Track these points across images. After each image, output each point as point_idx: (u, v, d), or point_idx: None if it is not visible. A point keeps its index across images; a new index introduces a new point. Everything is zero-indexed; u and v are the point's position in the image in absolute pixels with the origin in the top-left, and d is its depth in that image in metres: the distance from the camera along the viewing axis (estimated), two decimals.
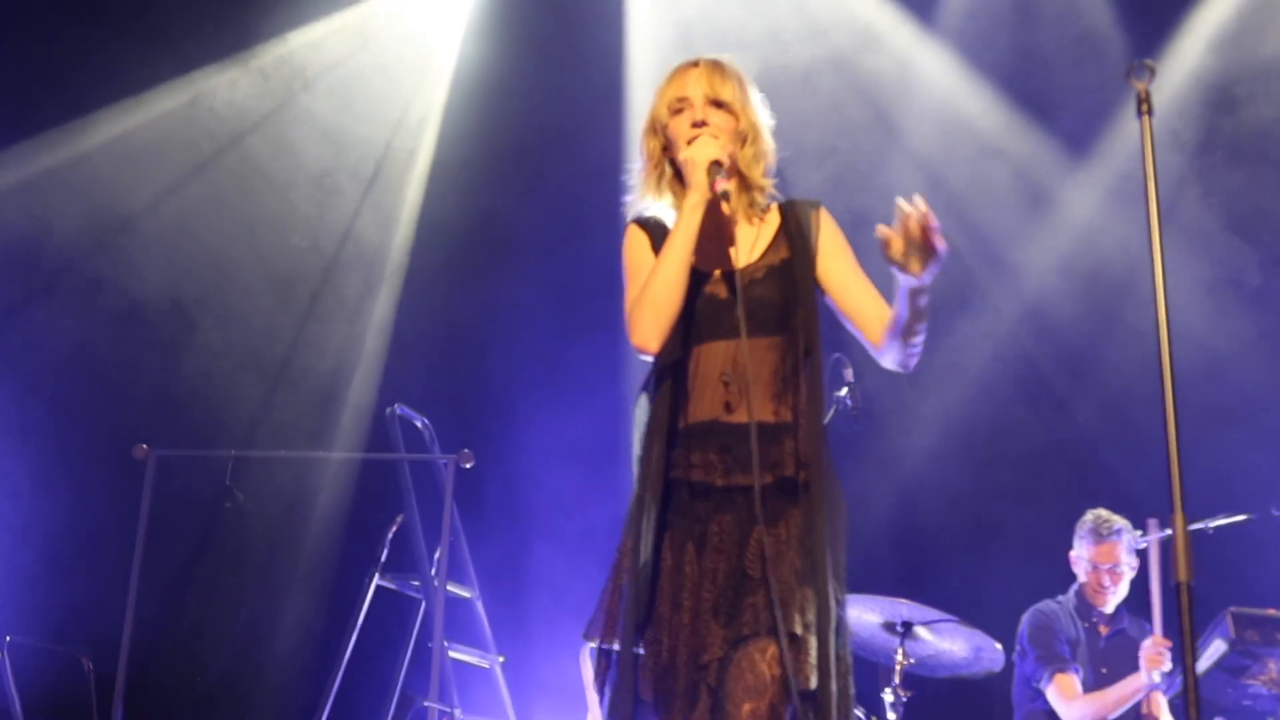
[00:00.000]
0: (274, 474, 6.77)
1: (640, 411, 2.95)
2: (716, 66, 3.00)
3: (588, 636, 2.89)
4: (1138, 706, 5.12)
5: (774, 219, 3.03)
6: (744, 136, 2.98)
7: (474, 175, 7.27)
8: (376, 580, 5.86)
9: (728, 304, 2.87)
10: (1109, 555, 5.20)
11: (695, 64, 3.01)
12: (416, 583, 6.02)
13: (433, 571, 5.85)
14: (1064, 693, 5.12)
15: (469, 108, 7.31)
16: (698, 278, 2.91)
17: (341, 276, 7.20)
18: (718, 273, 2.94)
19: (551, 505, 7.04)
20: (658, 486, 2.84)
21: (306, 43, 7.13)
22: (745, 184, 3.00)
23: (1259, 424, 6.48)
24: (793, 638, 2.72)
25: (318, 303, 7.14)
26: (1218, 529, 5.32)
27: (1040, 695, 5.21)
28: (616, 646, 2.81)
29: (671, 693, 2.74)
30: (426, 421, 6.28)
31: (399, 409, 6.15)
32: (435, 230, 7.28)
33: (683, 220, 2.86)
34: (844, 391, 4.99)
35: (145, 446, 5.78)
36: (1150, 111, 2.86)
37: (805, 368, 2.88)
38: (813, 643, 2.74)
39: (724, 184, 2.85)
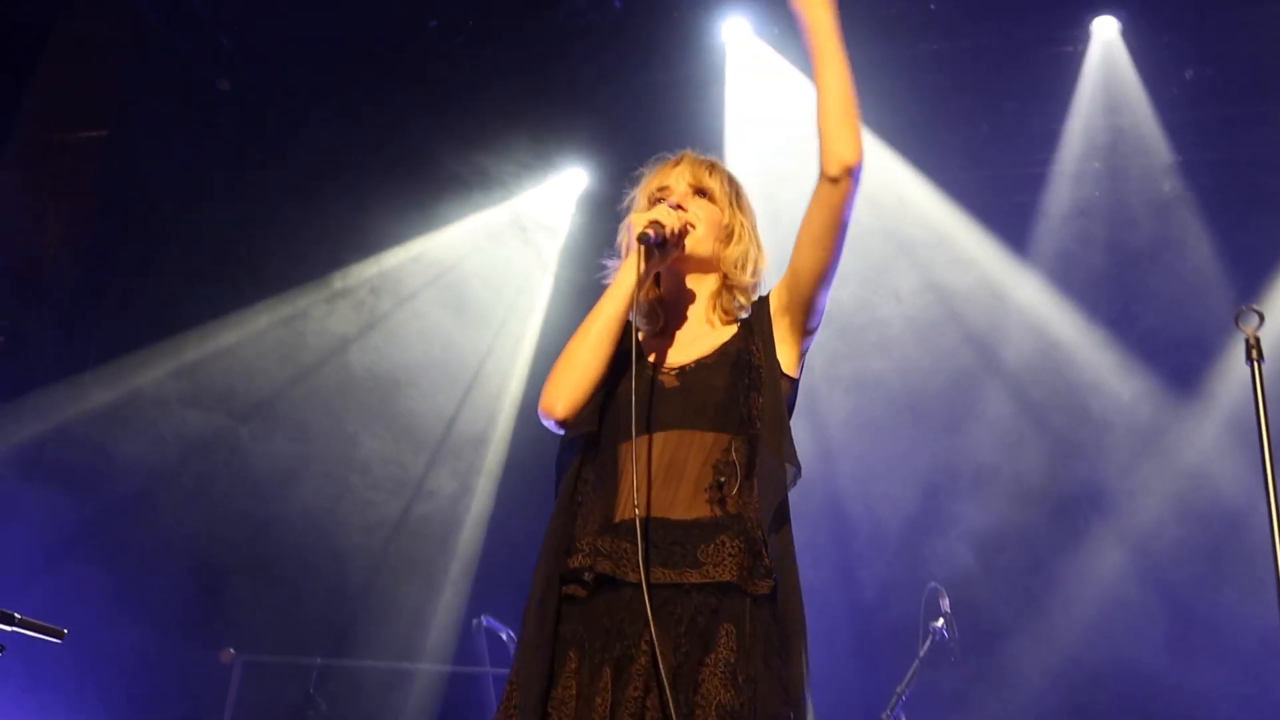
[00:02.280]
0: (359, 684, 6.71)
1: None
2: (705, 160, 2.86)
3: None
4: None
5: (735, 326, 2.80)
6: (729, 232, 2.80)
7: None
8: None
9: (671, 394, 2.64)
10: None
11: (680, 157, 2.87)
12: None
13: None
14: None
15: (570, 304, 7.45)
16: (639, 365, 2.64)
17: (436, 480, 7.26)
18: (666, 362, 2.70)
19: None
20: (556, 588, 2.53)
21: (409, 257, 7.37)
22: (726, 283, 2.80)
23: None
24: None
25: (411, 508, 7.18)
26: None
27: None
28: None
29: None
30: (512, 634, 6.22)
31: (485, 620, 6.10)
32: (532, 431, 7.33)
33: (615, 281, 2.68)
34: (940, 622, 4.85)
35: (232, 651, 5.79)
36: (1261, 357, 2.85)
37: (760, 463, 2.58)
38: None
39: (650, 231, 2.64)
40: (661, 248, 2.67)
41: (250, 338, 7.04)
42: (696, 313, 2.78)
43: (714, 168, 2.84)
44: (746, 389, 2.63)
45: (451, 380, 7.34)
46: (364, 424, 7.17)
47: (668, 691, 2.36)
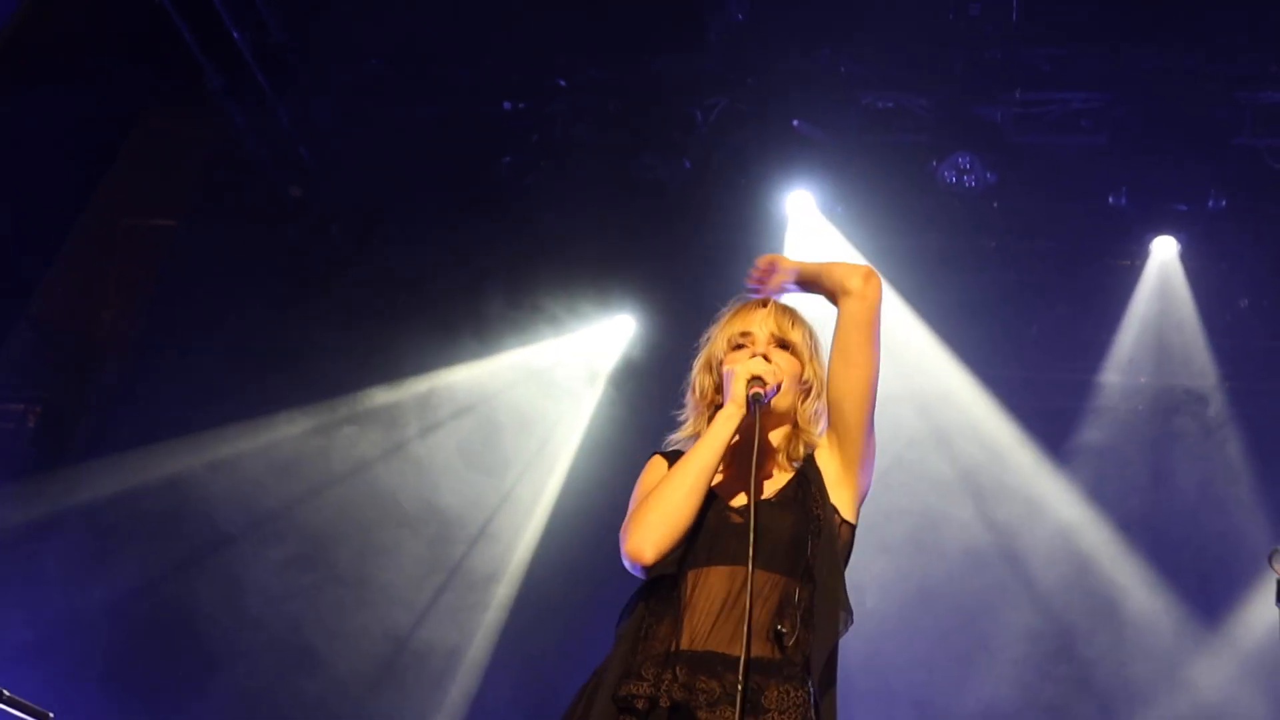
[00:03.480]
0: None
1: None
2: (787, 309, 2.87)
3: None
4: None
5: (790, 472, 2.82)
6: (808, 387, 2.82)
7: (592, 527, 7.29)
8: None
9: (739, 529, 2.60)
10: None
11: (764, 303, 2.88)
12: None
13: None
14: None
15: (595, 461, 7.42)
16: (713, 501, 2.68)
17: (442, 610, 7.16)
18: (734, 499, 2.71)
19: None
20: (614, 712, 2.52)
21: (444, 384, 7.40)
22: (797, 435, 2.81)
23: None
24: None
25: (414, 636, 7.08)
26: None
27: None
28: None
29: None
30: None
31: None
32: (545, 578, 7.24)
33: (712, 429, 2.67)
34: None
35: None
36: None
37: (817, 610, 2.59)
38: None
39: (760, 390, 2.67)
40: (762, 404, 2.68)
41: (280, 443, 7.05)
42: (766, 458, 2.77)
43: (796, 319, 2.86)
44: (807, 534, 2.64)
45: (465, 520, 7.28)
46: (375, 551, 7.11)
47: None
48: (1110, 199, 6.65)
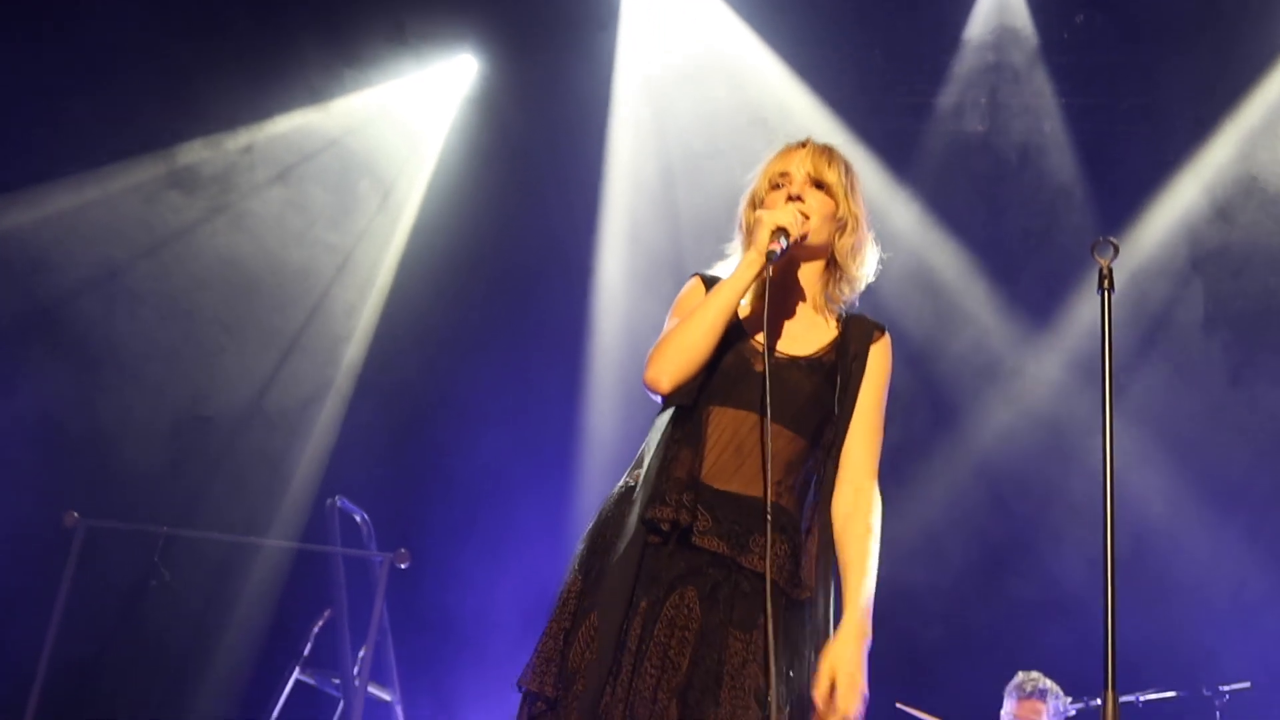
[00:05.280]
0: (206, 556, 6.65)
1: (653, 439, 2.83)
2: (825, 149, 2.97)
3: (521, 682, 2.69)
4: None
5: (834, 327, 2.94)
6: (843, 224, 2.91)
7: (443, 272, 7.29)
8: (297, 674, 5.73)
9: (758, 378, 2.78)
10: (1030, 711, 5.18)
11: (804, 144, 2.98)
12: (337, 681, 5.89)
13: (355, 670, 5.73)
14: None
15: (445, 205, 7.35)
16: (739, 339, 2.83)
17: (299, 360, 7.15)
18: (758, 342, 2.84)
19: (486, 615, 6.95)
20: (641, 530, 2.70)
21: (290, 129, 7.17)
22: (835, 275, 2.94)
23: (1194, 602, 6.53)
24: None
25: (271, 387, 7.08)
26: (1147, 703, 5.32)
27: None
28: (547, 692, 2.65)
29: None
30: (366, 517, 6.20)
31: (339, 501, 6.06)
32: (398, 324, 7.27)
33: (735, 274, 2.79)
34: None
35: (76, 515, 5.67)
36: (1111, 288, 2.92)
37: (824, 478, 2.82)
38: None
39: (776, 246, 2.77)
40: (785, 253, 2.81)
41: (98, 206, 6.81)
42: (804, 297, 2.93)
43: (833, 158, 2.95)
44: (831, 404, 2.84)
45: (314, 274, 7.19)
46: (220, 309, 7.01)
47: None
48: None
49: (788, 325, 2.90)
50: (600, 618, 2.65)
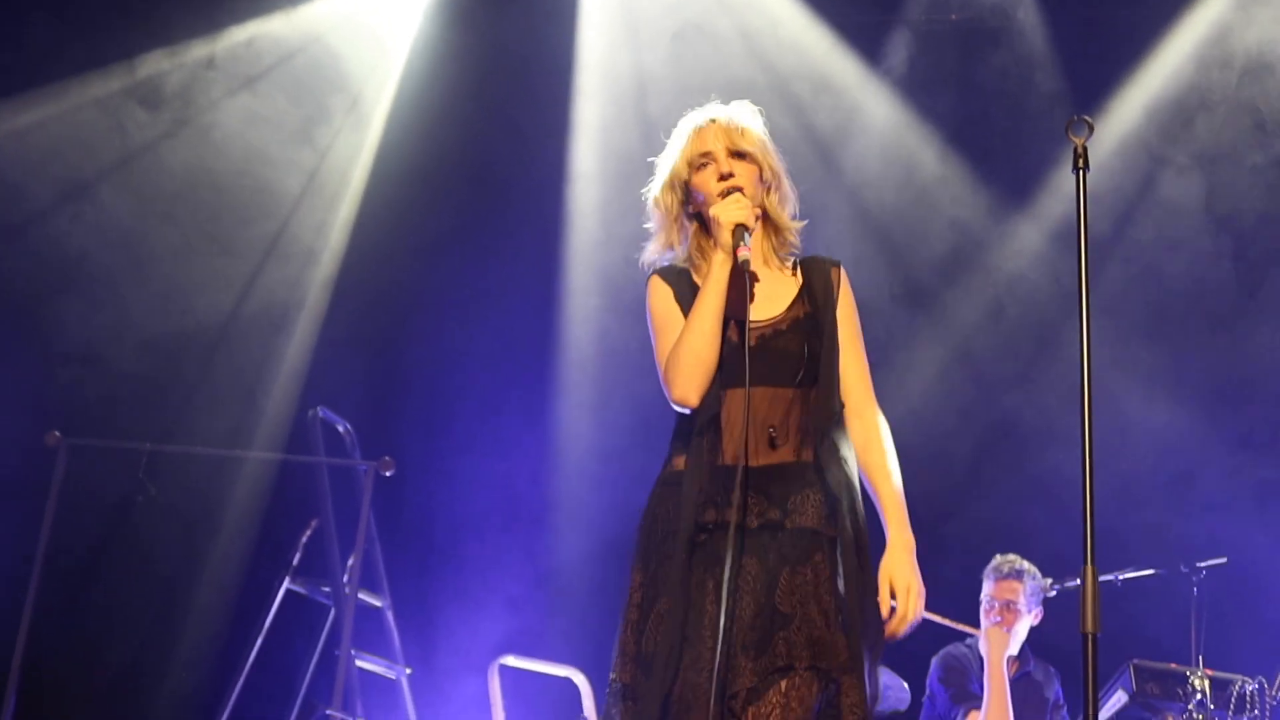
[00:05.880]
0: (190, 471, 6.66)
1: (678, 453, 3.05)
2: (732, 121, 3.11)
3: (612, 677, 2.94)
4: None
5: (794, 275, 3.15)
6: (768, 184, 3.11)
7: (414, 179, 7.23)
8: (286, 584, 5.78)
9: (755, 351, 2.97)
10: (1007, 591, 5.26)
11: (712, 120, 3.12)
12: (327, 589, 5.95)
13: (345, 579, 5.79)
14: None
15: (415, 111, 7.26)
16: (725, 326, 3.01)
17: (273, 273, 7.11)
18: (736, 322, 3.02)
19: (470, 520, 7.01)
20: (690, 528, 2.91)
21: (251, 36, 7.04)
22: (774, 228, 3.14)
23: (1171, 484, 6.63)
24: (827, 676, 2.82)
25: (247, 300, 7.04)
26: (1126, 582, 5.42)
27: None
28: (626, 680, 2.91)
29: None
30: (348, 426, 6.22)
31: (321, 412, 6.08)
32: (372, 233, 7.22)
33: (711, 279, 2.98)
34: None
35: (58, 434, 5.68)
36: (1086, 167, 2.92)
37: (833, 420, 3.01)
38: (847, 684, 2.84)
39: (745, 253, 2.95)
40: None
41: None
42: (756, 259, 3.07)
43: (745, 129, 3.11)
44: (816, 344, 3.04)
45: (284, 185, 7.11)
46: (190, 223, 6.94)
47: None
48: None
49: (757, 293, 3.04)
50: (668, 604, 2.87)
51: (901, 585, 2.94)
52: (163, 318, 6.84)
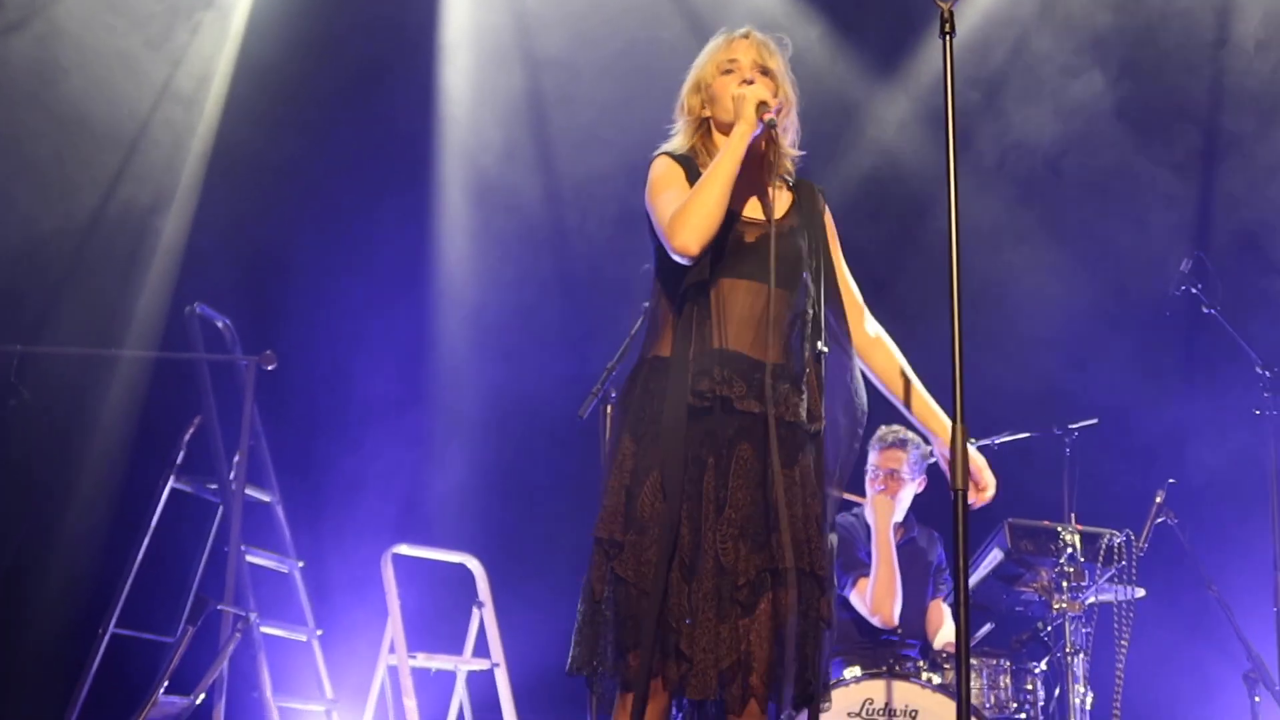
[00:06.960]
0: (65, 373, 6.50)
1: (648, 330, 3.22)
2: (765, 41, 3.31)
3: (596, 532, 3.05)
4: (922, 615, 5.35)
5: (789, 192, 3.32)
6: (781, 106, 3.23)
7: (283, 62, 7.04)
8: (172, 483, 5.71)
9: (753, 248, 3.14)
10: (891, 460, 5.38)
11: (746, 35, 3.32)
12: (214, 486, 5.89)
13: (231, 475, 5.73)
14: (865, 593, 5.26)
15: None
16: (730, 216, 3.11)
17: (137, 168, 6.90)
18: (747, 215, 3.20)
19: (354, 409, 6.97)
20: (684, 399, 3.05)
21: None
22: (776, 150, 3.25)
23: (1045, 347, 6.80)
24: (818, 579, 3.06)
25: (114, 195, 6.83)
26: (1002, 445, 5.56)
27: (843, 606, 5.34)
28: (616, 536, 3.03)
29: (698, 595, 2.97)
30: (228, 322, 6.12)
31: (199, 308, 5.97)
32: (240, 122, 7.03)
33: (731, 144, 3.10)
34: None
35: None
36: (953, 32, 2.92)
37: (823, 326, 3.18)
38: (828, 585, 3.09)
39: (770, 115, 3.11)
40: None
41: None
42: (761, 170, 3.25)
43: (773, 49, 3.30)
44: (814, 254, 3.23)
45: (146, 75, 6.85)
46: (47, 119, 6.67)
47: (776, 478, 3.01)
48: None
49: (759, 197, 3.23)
50: (664, 474, 3.01)
51: (980, 461, 3.29)
52: (22, 221, 6.60)
